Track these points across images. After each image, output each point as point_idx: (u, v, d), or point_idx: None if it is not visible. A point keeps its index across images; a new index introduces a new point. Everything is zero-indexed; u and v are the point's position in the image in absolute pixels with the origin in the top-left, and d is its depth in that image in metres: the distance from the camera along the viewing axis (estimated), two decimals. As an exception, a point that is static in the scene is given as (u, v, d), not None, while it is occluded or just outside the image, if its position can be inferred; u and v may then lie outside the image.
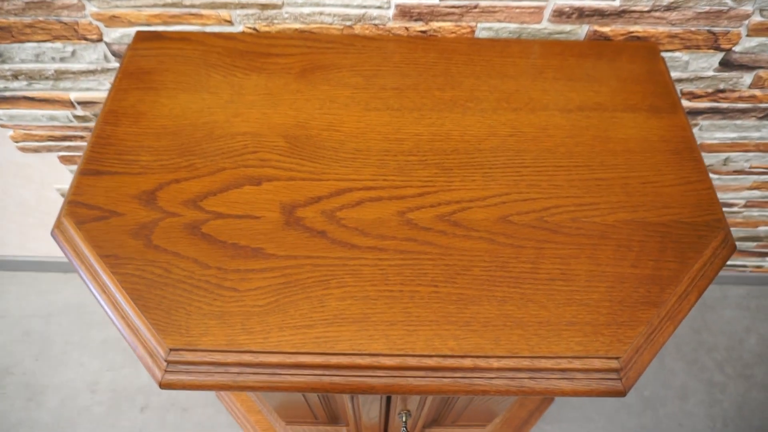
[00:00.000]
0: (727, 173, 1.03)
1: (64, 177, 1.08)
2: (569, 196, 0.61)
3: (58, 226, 0.59)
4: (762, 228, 1.22)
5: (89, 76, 0.84)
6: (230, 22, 0.75)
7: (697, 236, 0.58)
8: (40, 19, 0.74)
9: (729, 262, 1.38)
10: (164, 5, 0.72)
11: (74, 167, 1.05)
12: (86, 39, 0.77)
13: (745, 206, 1.14)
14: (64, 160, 1.03)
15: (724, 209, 1.16)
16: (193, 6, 0.72)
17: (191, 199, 0.59)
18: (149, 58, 0.71)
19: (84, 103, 0.89)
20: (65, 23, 0.75)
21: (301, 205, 0.59)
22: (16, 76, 0.84)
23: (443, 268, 0.55)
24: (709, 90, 0.84)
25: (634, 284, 0.55)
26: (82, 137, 0.97)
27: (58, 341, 1.35)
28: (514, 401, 1.09)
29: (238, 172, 0.61)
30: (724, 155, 0.99)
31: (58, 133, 0.96)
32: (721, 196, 1.10)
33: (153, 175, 0.61)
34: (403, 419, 0.83)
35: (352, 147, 0.64)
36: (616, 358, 0.52)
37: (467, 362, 0.52)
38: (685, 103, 0.87)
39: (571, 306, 0.54)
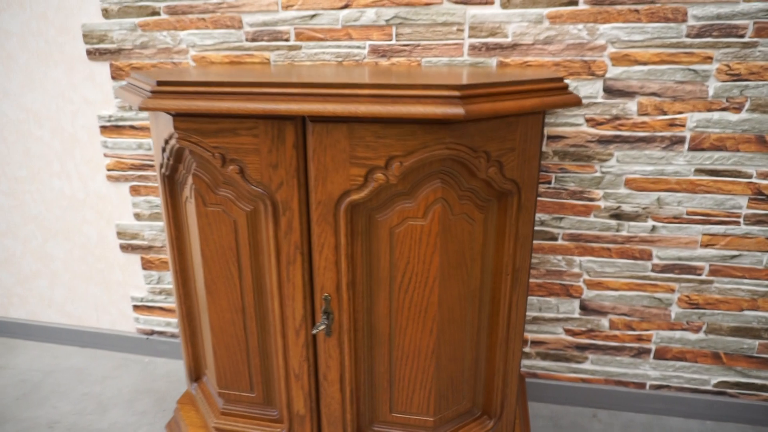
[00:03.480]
0: (668, 220, 1.15)
1: (126, 212, 1.40)
2: (481, 81, 0.86)
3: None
4: (749, 313, 1.19)
5: (174, 106, 1.27)
6: (268, 60, 1.20)
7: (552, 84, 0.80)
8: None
9: (741, 382, 1.24)
10: (233, 48, 1.20)
11: (139, 198, 1.38)
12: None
13: (711, 273, 1.17)
14: (133, 190, 1.37)
15: (690, 276, 1.18)
16: (248, 49, 1.20)
17: (205, 71, 0.92)
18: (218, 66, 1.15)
19: (164, 131, 1.30)
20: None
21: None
22: (131, 107, 1.30)
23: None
24: (607, 116, 1.10)
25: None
26: (151, 166, 1.34)
27: (45, 390, 1.38)
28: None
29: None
30: (654, 194, 1.13)
31: (138, 161, 1.34)
32: (679, 253, 1.16)
33: (188, 71, 0.96)
34: (325, 317, 0.85)
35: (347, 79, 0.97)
36: (458, 88, 0.69)
37: (366, 90, 0.71)
38: (591, 130, 1.11)
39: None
